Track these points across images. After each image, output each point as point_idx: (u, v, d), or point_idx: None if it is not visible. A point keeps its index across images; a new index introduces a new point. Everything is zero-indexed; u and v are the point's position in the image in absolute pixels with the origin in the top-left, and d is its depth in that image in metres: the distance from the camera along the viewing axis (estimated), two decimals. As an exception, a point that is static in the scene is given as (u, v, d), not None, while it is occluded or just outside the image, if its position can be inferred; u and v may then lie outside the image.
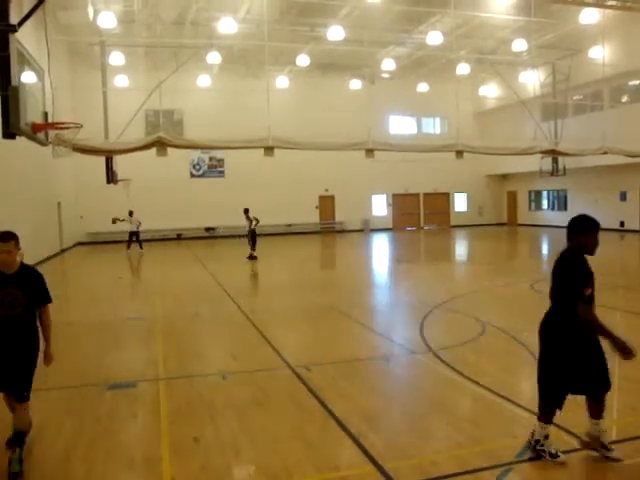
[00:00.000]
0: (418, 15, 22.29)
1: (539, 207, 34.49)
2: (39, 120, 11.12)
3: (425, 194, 35.17)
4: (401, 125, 34.12)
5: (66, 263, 21.39)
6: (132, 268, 20.26)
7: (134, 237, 24.00)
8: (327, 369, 6.78)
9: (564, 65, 26.48)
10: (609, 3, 20.00)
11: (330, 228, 33.29)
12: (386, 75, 29.59)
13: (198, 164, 30.90)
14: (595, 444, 4.23)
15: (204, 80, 27.28)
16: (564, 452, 4.26)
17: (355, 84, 29.76)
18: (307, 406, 5.54)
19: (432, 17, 22.37)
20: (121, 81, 24.63)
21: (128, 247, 23.92)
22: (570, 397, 4.21)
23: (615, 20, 22.04)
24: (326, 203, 33.26)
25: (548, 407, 4.24)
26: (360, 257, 22.46)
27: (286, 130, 16.16)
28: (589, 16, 20.18)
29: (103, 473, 4.28)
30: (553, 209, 33.20)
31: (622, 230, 27.18)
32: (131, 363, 7.45)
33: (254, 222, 19.67)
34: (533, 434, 4.30)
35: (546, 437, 4.23)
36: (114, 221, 23.96)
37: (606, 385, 4.15)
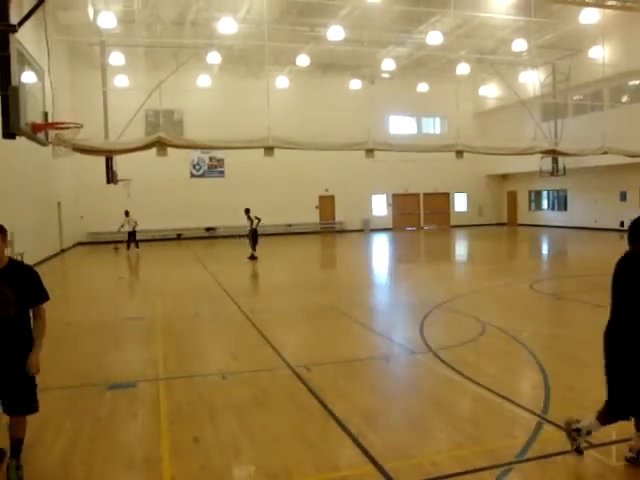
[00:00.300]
0: (418, 15, 22.31)
1: (539, 207, 34.45)
2: (39, 120, 11.12)
3: (425, 194, 35.16)
4: (401, 125, 34.12)
5: (66, 263, 21.39)
6: (132, 268, 20.28)
7: (132, 237, 24.10)
8: (327, 369, 6.78)
9: (564, 65, 26.48)
10: (609, 3, 19.99)
11: (330, 228, 33.29)
12: (386, 75, 29.59)
13: (198, 164, 30.90)
14: None
15: (204, 80, 27.27)
16: (564, 453, 4.25)
17: (355, 84, 29.77)
18: (307, 406, 5.54)
19: (432, 17, 22.38)
20: (121, 81, 24.64)
21: (128, 247, 24.03)
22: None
23: (615, 20, 22.03)
24: (326, 203, 33.26)
25: (611, 415, 4.04)
26: (360, 257, 22.45)
27: (286, 130, 16.17)
28: (589, 16, 20.18)
29: (103, 473, 4.28)
30: (553, 209, 33.12)
31: (622, 230, 27.17)
32: (131, 363, 7.45)
33: (255, 222, 19.58)
34: (580, 421, 4.15)
35: (588, 433, 4.11)
36: (119, 230, 24.19)
37: None
